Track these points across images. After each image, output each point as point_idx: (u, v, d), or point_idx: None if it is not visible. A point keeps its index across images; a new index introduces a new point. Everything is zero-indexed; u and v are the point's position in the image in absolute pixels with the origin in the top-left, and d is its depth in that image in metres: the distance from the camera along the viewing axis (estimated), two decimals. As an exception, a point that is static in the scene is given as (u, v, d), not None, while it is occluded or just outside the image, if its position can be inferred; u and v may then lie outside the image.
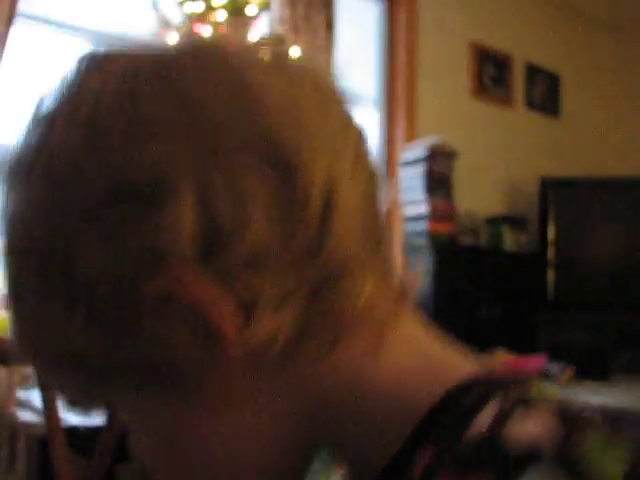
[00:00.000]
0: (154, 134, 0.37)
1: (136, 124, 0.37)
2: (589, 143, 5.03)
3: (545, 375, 3.90)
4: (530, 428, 0.37)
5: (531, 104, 4.90)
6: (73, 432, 2.29)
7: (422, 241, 3.98)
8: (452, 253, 4.05)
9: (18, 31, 3.01)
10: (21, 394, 2.67)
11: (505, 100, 4.77)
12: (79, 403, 0.47)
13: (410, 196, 4.06)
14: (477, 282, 4.10)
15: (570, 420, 0.37)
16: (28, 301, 0.41)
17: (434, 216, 3.97)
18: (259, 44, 0.44)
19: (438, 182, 4.01)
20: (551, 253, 4.24)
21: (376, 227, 0.45)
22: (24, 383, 2.69)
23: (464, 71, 4.58)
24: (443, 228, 4.01)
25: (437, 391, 0.42)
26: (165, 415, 0.43)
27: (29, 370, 2.60)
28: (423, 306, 3.93)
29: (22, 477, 2.45)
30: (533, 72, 4.89)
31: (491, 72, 4.68)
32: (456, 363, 0.45)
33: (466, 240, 4.23)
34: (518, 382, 0.42)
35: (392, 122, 4.34)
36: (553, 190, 4.25)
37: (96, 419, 2.35)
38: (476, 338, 4.11)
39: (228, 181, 0.37)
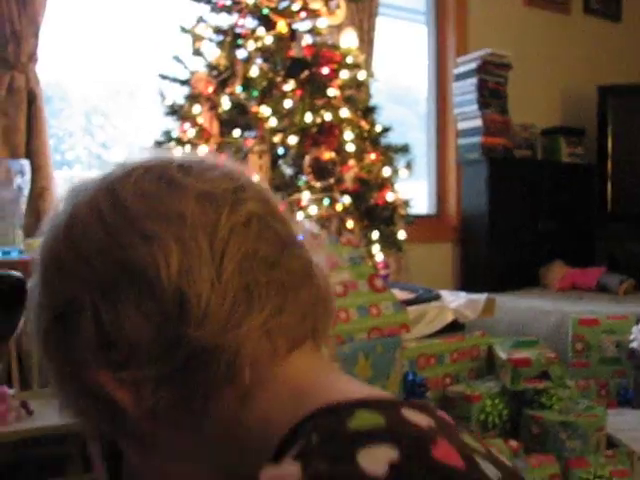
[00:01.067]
0: (68, 276, 0.55)
1: (59, 270, 0.56)
2: (651, 47, 4.83)
3: (604, 286, 3.87)
4: (279, 473, 0.44)
5: (590, 9, 4.71)
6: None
7: (476, 155, 3.93)
8: (507, 166, 3.99)
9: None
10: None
11: (561, 6, 4.60)
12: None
13: (463, 110, 3.99)
14: (533, 195, 4.05)
15: (307, 465, 0.44)
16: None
17: (488, 129, 3.90)
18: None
19: (491, 95, 3.93)
20: (610, 164, 4.15)
21: (250, 298, 0.55)
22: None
23: (517, -22, 4.42)
24: (497, 141, 3.94)
25: (290, 427, 0.51)
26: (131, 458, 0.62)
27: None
28: (480, 220, 3.92)
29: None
30: (591, -25, 4.69)
31: (546, -23, 4.50)
32: (320, 395, 0.53)
33: (521, 153, 4.15)
34: (342, 412, 0.48)
35: (442, 35, 4.23)
36: (612, 98, 4.13)
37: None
38: (535, 251, 4.10)
39: (110, 305, 0.53)
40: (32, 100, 2.85)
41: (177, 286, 0.52)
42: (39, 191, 2.79)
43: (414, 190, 3.32)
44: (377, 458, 0.41)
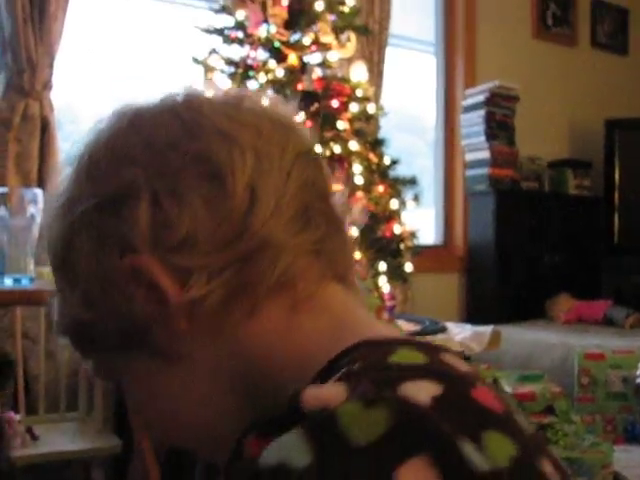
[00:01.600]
0: (125, 163, 0.54)
1: (115, 158, 0.55)
2: (658, 81, 4.86)
3: (610, 320, 3.87)
4: (322, 393, 0.43)
5: (597, 43, 4.76)
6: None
7: (484, 186, 3.95)
8: (514, 198, 4.01)
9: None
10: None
11: (569, 40, 4.64)
12: (96, 372, 0.61)
13: (471, 141, 4.02)
14: (540, 227, 4.06)
15: (354, 386, 0.42)
16: (57, 287, 0.58)
17: (495, 161, 3.93)
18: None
19: (499, 127, 3.96)
20: (617, 197, 4.16)
21: (307, 218, 0.55)
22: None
23: (525, 11, 4.47)
24: (505, 173, 3.97)
25: (329, 358, 0.49)
26: (139, 371, 0.56)
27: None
28: (487, 252, 3.92)
29: (99, 421, 2.58)
30: (599, 8, 4.73)
31: (554, 11, 4.55)
32: (355, 331, 0.52)
33: (529, 185, 4.18)
34: (385, 347, 0.47)
35: (451, 66, 4.28)
36: (619, 131, 4.15)
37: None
38: (541, 283, 4.11)
39: (172, 191, 0.52)
40: (45, 127, 2.89)
41: (250, 184, 0.52)
42: (50, 218, 2.82)
43: (421, 219, 3.34)
44: (420, 390, 0.41)
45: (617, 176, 4.17)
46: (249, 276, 0.52)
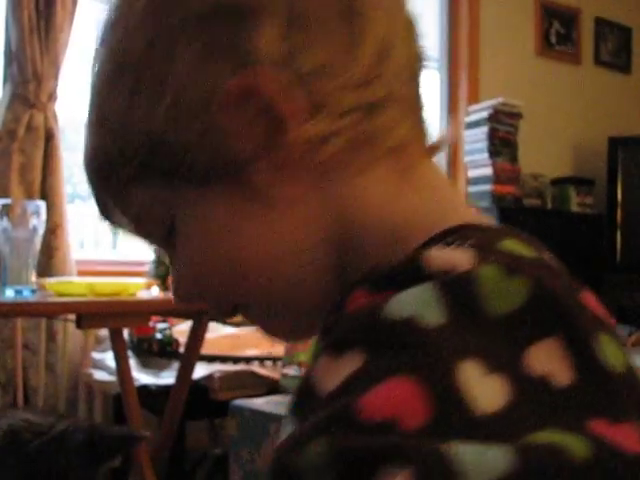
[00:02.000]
0: None
1: None
2: (661, 100, 4.87)
3: (612, 337, 3.85)
4: (449, 255, 0.39)
5: (600, 60, 4.77)
6: (145, 390, 2.39)
7: (486, 203, 3.95)
8: (517, 215, 4.01)
9: (86, 2, 3.08)
10: (96, 355, 2.79)
11: (572, 57, 4.65)
12: (144, 211, 0.51)
13: (474, 158, 4.02)
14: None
15: (484, 255, 0.38)
16: (117, 83, 0.50)
17: (498, 178, 3.93)
18: None
19: (502, 143, 3.96)
20: (619, 214, 4.16)
21: (416, 92, 0.51)
22: (98, 345, 2.81)
23: (529, 28, 4.48)
24: (507, 190, 3.97)
25: (429, 235, 0.44)
26: (217, 214, 0.48)
27: (103, 332, 2.71)
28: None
29: (99, 433, 2.57)
30: (602, 26, 4.75)
31: (558, 28, 4.57)
32: (457, 212, 0.48)
33: (531, 202, 4.17)
34: (492, 232, 0.44)
35: (454, 82, 4.29)
36: (622, 149, 4.15)
37: (167, 379, 2.44)
38: (541, 300, 4.08)
39: (308, 16, 0.46)
40: (49, 139, 2.89)
41: (385, 33, 0.48)
42: (52, 228, 2.82)
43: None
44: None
45: (620, 194, 4.17)
46: (373, 128, 0.47)
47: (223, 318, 0.56)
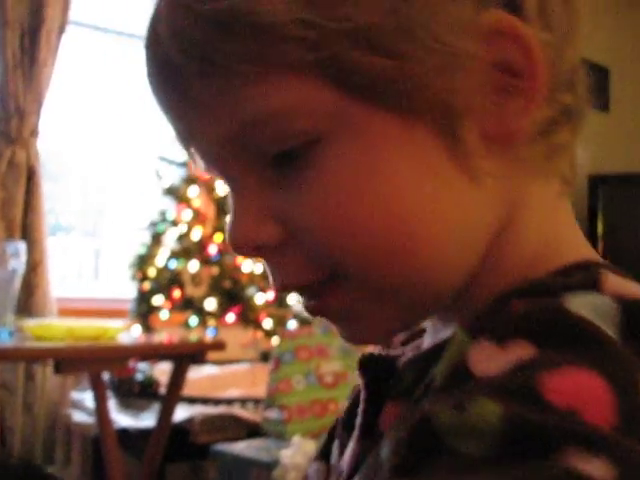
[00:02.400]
0: None
1: None
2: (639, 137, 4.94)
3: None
4: (622, 281, 0.37)
5: (580, 98, 4.83)
6: (124, 433, 2.35)
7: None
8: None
9: (70, 38, 3.09)
10: (75, 395, 2.76)
11: (553, 95, 4.71)
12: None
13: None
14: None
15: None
16: None
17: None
18: None
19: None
20: (600, 252, 4.20)
21: None
22: (78, 385, 2.78)
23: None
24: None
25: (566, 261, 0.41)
26: (396, 153, 0.39)
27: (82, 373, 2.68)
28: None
29: (77, 475, 2.53)
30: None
31: (539, 67, 4.63)
32: (588, 247, 0.45)
33: (513, 238, 4.20)
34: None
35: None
36: (602, 187, 4.20)
37: (147, 421, 2.41)
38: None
39: None
40: (31, 175, 2.88)
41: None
42: (33, 265, 2.79)
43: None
44: None
45: (600, 231, 4.21)
46: (569, 138, 0.43)
47: (290, 289, 0.44)
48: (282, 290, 0.43)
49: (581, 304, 0.35)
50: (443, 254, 0.40)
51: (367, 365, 0.48)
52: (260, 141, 0.39)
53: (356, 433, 0.47)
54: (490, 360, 0.33)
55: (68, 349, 1.81)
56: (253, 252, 0.41)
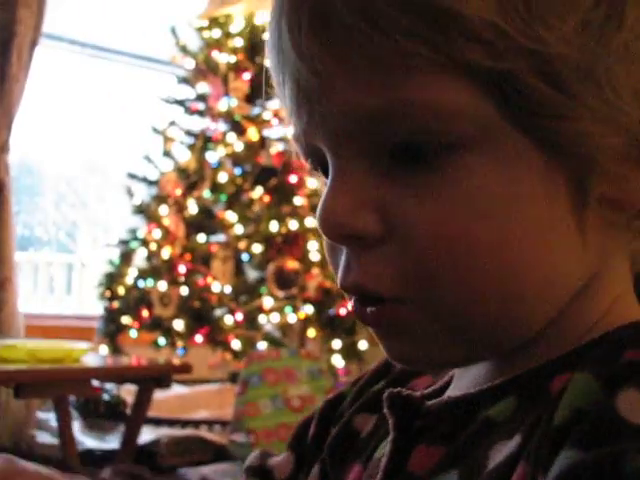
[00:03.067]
0: None
1: None
2: None
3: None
4: None
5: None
6: (89, 454, 2.32)
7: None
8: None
9: (43, 52, 3.07)
10: (41, 415, 2.72)
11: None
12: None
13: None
14: None
15: None
16: None
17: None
18: None
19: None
20: None
21: None
22: (43, 405, 2.74)
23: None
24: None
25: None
26: (530, 183, 0.37)
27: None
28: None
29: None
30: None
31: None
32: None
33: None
34: None
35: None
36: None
37: (112, 443, 2.38)
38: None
39: None
40: (0, 190, 2.85)
41: None
42: (1, 282, 2.76)
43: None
44: None
45: None
46: None
47: (353, 293, 0.40)
48: (347, 289, 0.39)
49: None
50: (534, 305, 0.39)
51: (395, 404, 0.44)
52: (397, 127, 0.36)
53: (380, 474, 0.44)
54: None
55: (29, 372, 1.78)
56: (342, 239, 0.38)
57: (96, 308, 3.05)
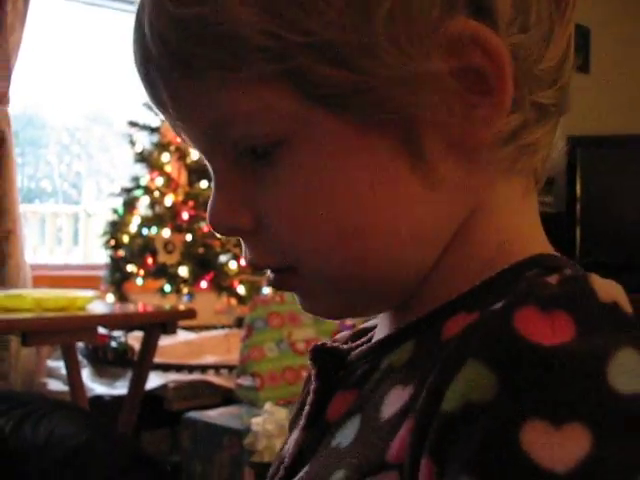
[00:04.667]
0: None
1: None
2: (620, 99, 4.92)
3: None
4: (604, 284, 0.36)
5: (561, 58, 4.79)
6: (99, 401, 2.36)
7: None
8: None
9: (40, 1, 3.03)
10: (51, 363, 2.76)
11: (533, 55, 4.67)
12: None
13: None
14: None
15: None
16: None
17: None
18: None
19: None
20: (578, 212, 4.21)
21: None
22: (53, 354, 2.78)
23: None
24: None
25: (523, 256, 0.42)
26: (355, 158, 0.40)
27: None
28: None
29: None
30: (563, 25, 4.77)
31: (519, 26, 4.58)
32: (534, 245, 0.45)
33: (491, 200, 4.20)
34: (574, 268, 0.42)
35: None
36: (581, 149, 4.19)
37: (121, 389, 2.42)
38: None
39: None
40: (1, 142, 2.84)
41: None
42: (5, 235, 2.77)
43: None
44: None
45: (579, 192, 4.22)
46: (540, 137, 0.43)
47: (257, 269, 0.49)
48: (251, 266, 0.47)
49: (626, 371, 0.33)
50: (395, 258, 0.42)
51: (318, 356, 0.49)
52: (233, 139, 0.41)
53: (302, 422, 0.48)
54: (548, 449, 0.31)
55: (35, 320, 1.80)
56: (227, 233, 0.45)
57: (102, 257, 3.07)
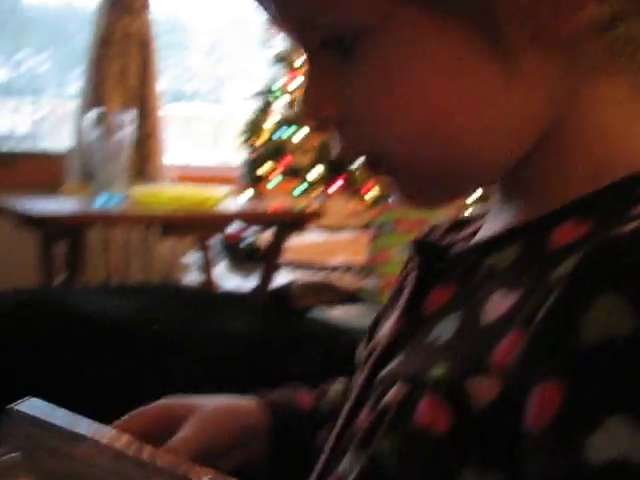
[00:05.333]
0: None
1: None
2: None
3: None
4: None
5: None
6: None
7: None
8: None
9: None
10: (187, 259, 2.89)
11: None
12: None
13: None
14: None
15: None
16: None
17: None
18: None
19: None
20: None
21: None
22: (189, 249, 2.91)
23: None
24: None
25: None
26: (439, 48, 0.42)
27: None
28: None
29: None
30: None
31: None
32: None
33: None
34: None
35: None
36: None
37: (252, 283, 2.52)
38: None
39: None
40: (144, 45, 2.93)
41: None
42: (144, 137, 2.88)
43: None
44: None
45: None
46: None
47: (349, 157, 0.49)
48: (344, 154, 0.48)
49: None
50: (479, 144, 0.43)
51: (422, 248, 0.51)
52: (324, 27, 0.43)
53: (399, 310, 0.49)
54: None
55: (169, 215, 1.90)
56: (317, 123, 0.48)
57: (240, 158, 3.15)
